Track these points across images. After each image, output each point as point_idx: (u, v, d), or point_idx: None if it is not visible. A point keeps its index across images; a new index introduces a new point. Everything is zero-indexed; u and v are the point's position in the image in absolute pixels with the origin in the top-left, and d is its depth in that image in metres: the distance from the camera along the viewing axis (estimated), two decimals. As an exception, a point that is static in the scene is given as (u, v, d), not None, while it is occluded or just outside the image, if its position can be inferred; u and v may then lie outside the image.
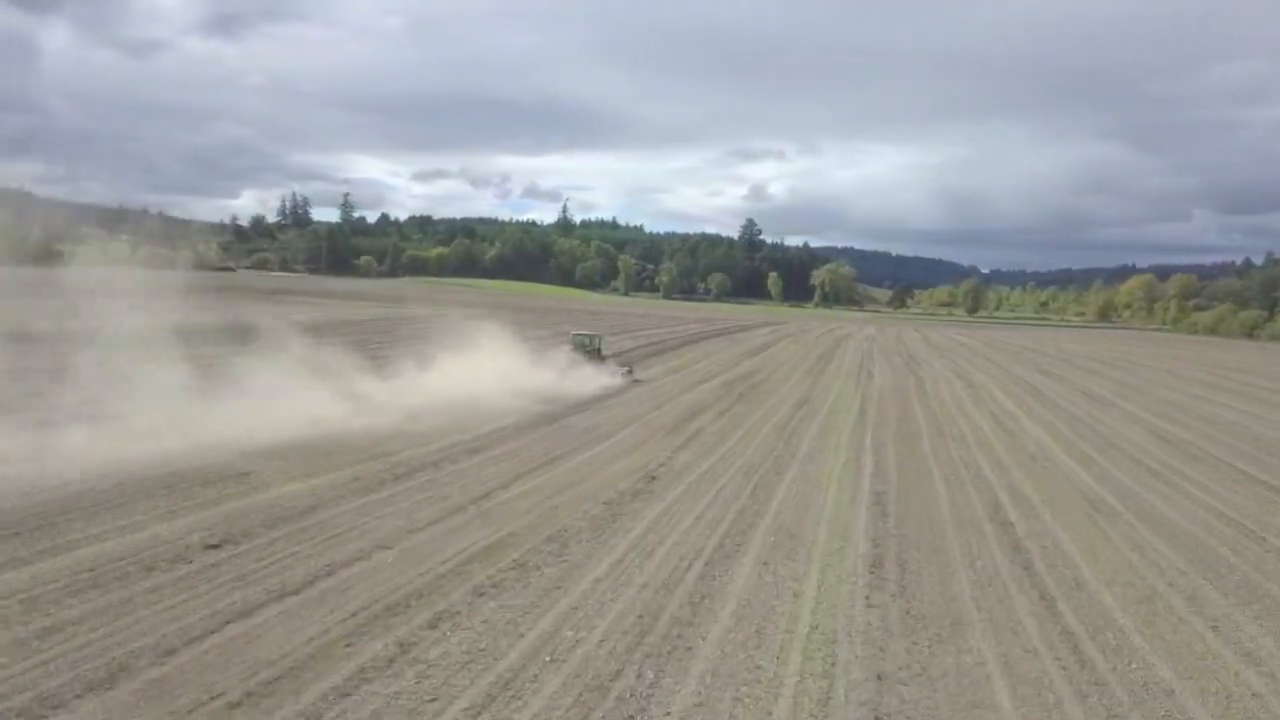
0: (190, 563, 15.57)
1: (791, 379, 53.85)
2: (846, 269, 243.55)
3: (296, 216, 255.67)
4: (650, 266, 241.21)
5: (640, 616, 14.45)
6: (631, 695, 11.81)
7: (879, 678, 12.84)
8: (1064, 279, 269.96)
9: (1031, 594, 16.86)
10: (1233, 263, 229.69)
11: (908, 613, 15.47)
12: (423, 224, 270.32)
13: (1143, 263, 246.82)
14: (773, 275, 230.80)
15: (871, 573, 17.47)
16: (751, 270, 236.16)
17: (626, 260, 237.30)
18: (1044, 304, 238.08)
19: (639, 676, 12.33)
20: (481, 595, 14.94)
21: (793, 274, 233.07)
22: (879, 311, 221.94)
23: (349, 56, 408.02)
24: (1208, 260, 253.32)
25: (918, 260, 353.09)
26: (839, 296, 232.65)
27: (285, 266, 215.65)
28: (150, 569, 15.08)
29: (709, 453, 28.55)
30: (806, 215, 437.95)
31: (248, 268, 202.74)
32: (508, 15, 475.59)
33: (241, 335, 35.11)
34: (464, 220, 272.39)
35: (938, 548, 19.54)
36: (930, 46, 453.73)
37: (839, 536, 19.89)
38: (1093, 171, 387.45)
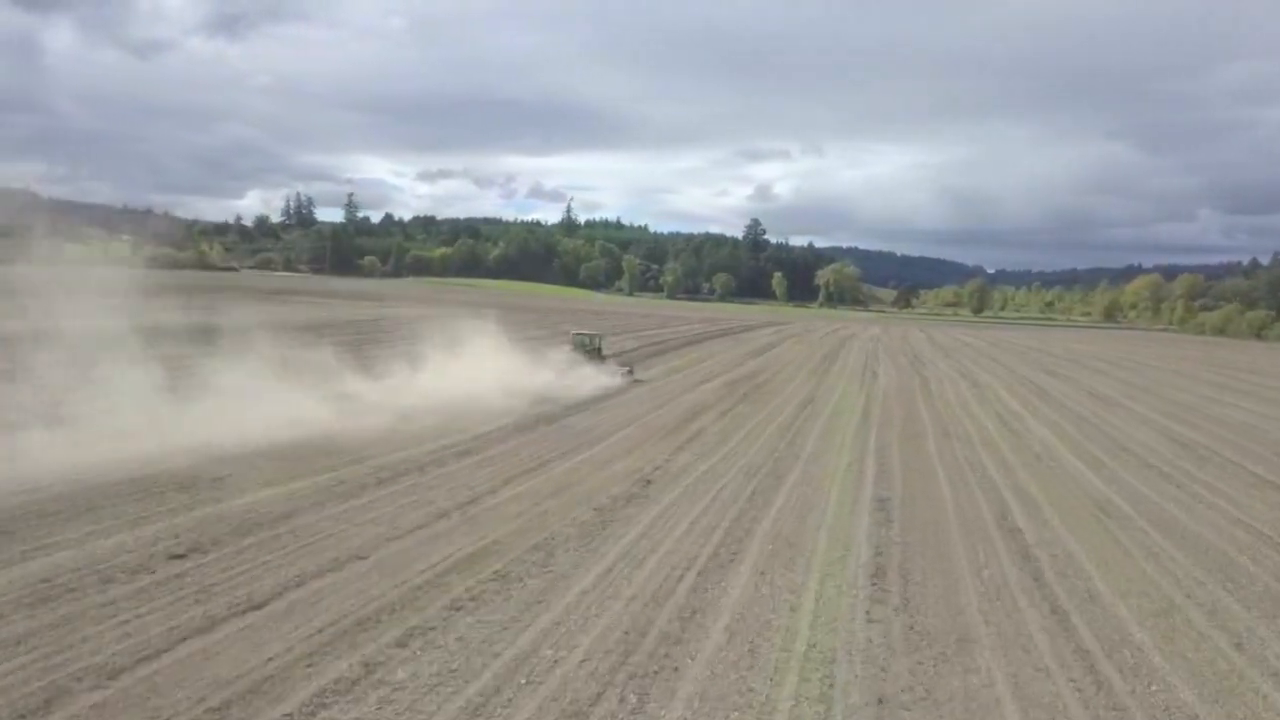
0: (152, 573, 14.74)
1: (795, 379, 52.93)
2: (851, 269, 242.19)
3: (301, 217, 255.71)
4: (655, 266, 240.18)
5: (626, 633, 13.57)
6: (612, 721, 10.95)
7: (880, 701, 11.95)
8: (1069, 279, 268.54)
9: (1042, 607, 15.95)
10: (1239, 263, 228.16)
11: (911, 628, 14.56)
12: (427, 224, 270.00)
13: (1148, 263, 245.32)
14: (777, 275, 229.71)
15: (873, 583, 16.57)
16: (756, 270, 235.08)
17: (631, 260, 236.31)
18: (1049, 304, 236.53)
19: (621, 701, 11.44)
20: (458, 609, 14.06)
21: (797, 274, 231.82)
22: (884, 312, 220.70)
23: (353, 57, 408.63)
24: (1214, 260, 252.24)
25: (923, 260, 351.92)
26: (844, 297, 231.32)
27: (289, 267, 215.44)
28: (108, 580, 14.24)
29: (708, 455, 27.67)
30: (812, 215, 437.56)
31: (251, 268, 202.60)
32: (513, 15, 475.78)
33: (225, 336, 34.18)
34: (468, 220, 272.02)
35: (943, 556, 18.63)
36: (936, 46, 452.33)
37: (840, 544, 18.99)
38: (1098, 171, 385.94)
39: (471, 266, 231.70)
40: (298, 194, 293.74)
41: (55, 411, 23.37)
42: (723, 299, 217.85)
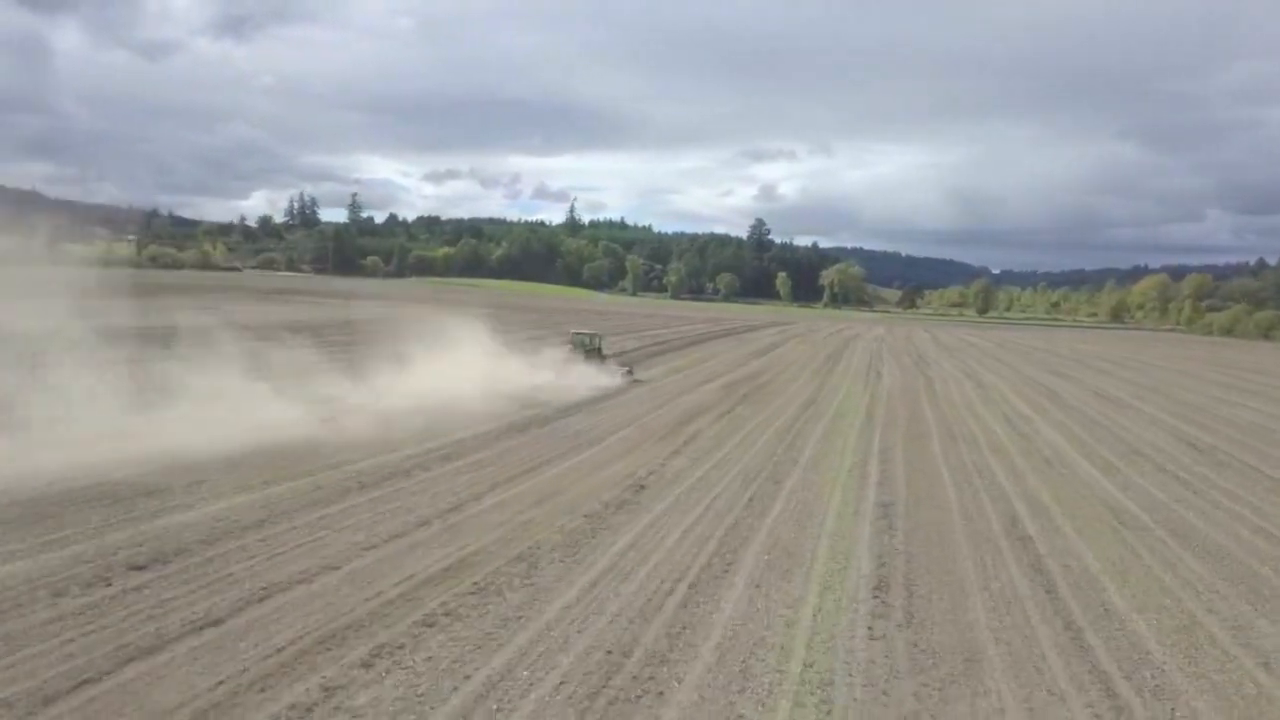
0: (109, 586, 13.85)
1: (798, 380, 51.97)
2: (856, 269, 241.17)
3: (305, 217, 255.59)
4: (658, 266, 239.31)
5: (609, 652, 12.63)
6: (589, 753, 10.04)
7: (881, 729, 11.02)
8: (1076, 280, 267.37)
9: (1055, 623, 14.99)
10: (1247, 263, 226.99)
11: (916, 646, 13.61)
12: (430, 224, 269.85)
13: (1155, 263, 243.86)
14: (781, 275, 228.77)
15: (875, 597, 15.62)
16: (760, 270, 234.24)
17: (634, 260, 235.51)
18: (1055, 304, 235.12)
19: (600, 729, 10.54)
20: (430, 626, 13.14)
21: (802, 274, 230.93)
22: (889, 312, 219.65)
23: (359, 57, 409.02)
24: (1221, 261, 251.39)
25: (928, 261, 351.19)
26: (848, 297, 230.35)
27: (291, 267, 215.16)
28: (60, 594, 13.36)
29: (705, 458, 26.74)
30: (817, 215, 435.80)
31: (254, 268, 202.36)
32: (518, 15, 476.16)
33: (212, 336, 33.28)
34: (472, 220, 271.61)
35: (949, 567, 17.67)
36: (941, 46, 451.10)
37: (841, 554, 18.04)
38: (1105, 171, 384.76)
39: (474, 267, 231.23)
40: (302, 194, 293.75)
41: (12, 416, 22.28)
42: (727, 299, 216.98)
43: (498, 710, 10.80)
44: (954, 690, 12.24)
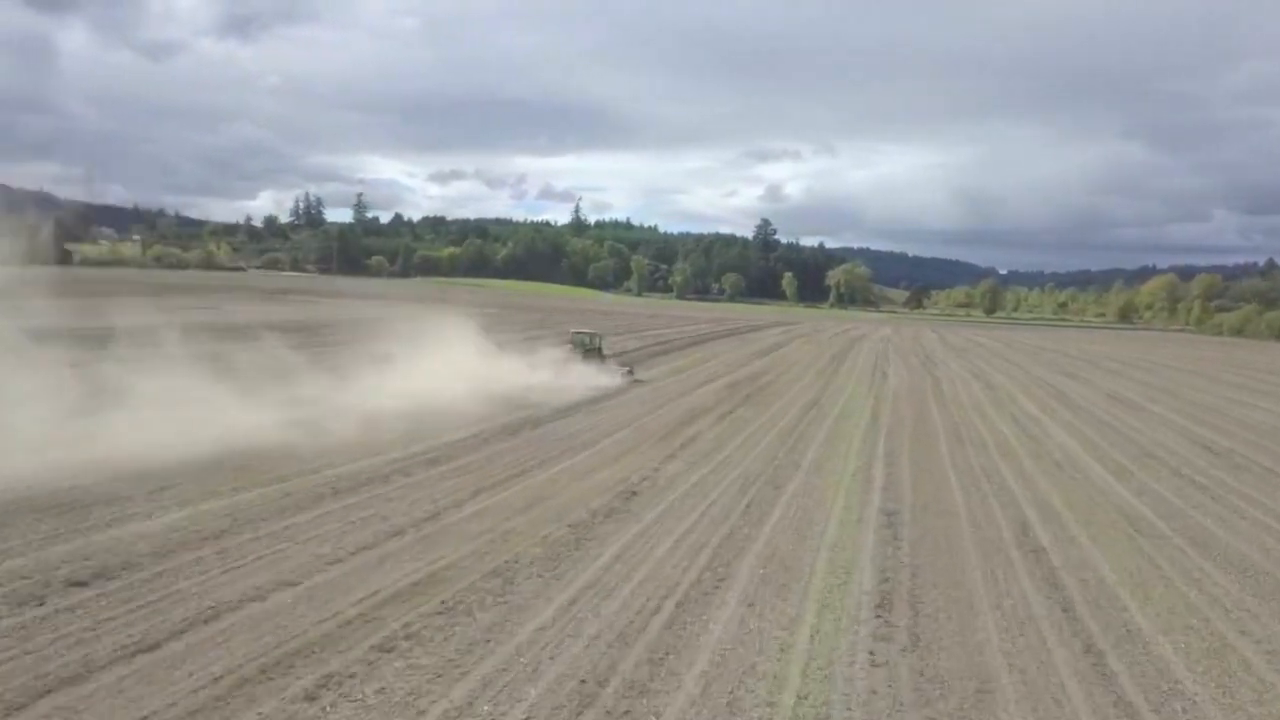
0: (41, 605, 12.72)
1: (802, 380, 50.74)
2: (862, 269, 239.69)
3: (310, 217, 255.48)
4: (663, 267, 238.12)
5: (583, 681, 11.44)
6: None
7: (883, 773, 9.83)
8: (1083, 280, 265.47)
9: (1074, 645, 13.77)
10: (1255, 264, 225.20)
11: (921, 674, 12.39)
12: (436, 224, 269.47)
13: (1162, 263, 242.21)
14: (787, 275, 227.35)
15: (878, 617, 14.41)
16: (766, 270, 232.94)
17: (639, 260, 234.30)
18: (1063, 305, 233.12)
19: (564, 775, 9.36)
20: (388, 651, 11.97)
21: (808, 274, 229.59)
22: (895, 312, 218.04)
23: (364, 58, 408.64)
24: (1229, 261, 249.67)
25: (934, 261, 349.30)
26: (854, 297, 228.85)
27: (296, 267, 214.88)
28: (-14, 614, 12.24)
29: (703, 462, 25.58)
30: (822, 216, 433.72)
31: (258, 268, 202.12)
32: (523, 15, 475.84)
33: (200, 336, 32.22)
34: (477, 221, 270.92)
35: (957, 581, 16.46)
36: (947, 46, 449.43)
37: (842, 567, 16.84)
38: (1111, 171, 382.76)
39: (479, 267, 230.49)
40: (307, 194, 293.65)
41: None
42: (732, 299, 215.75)
43: (452, 752, 9.65)
44: (964, 725, 11.03)
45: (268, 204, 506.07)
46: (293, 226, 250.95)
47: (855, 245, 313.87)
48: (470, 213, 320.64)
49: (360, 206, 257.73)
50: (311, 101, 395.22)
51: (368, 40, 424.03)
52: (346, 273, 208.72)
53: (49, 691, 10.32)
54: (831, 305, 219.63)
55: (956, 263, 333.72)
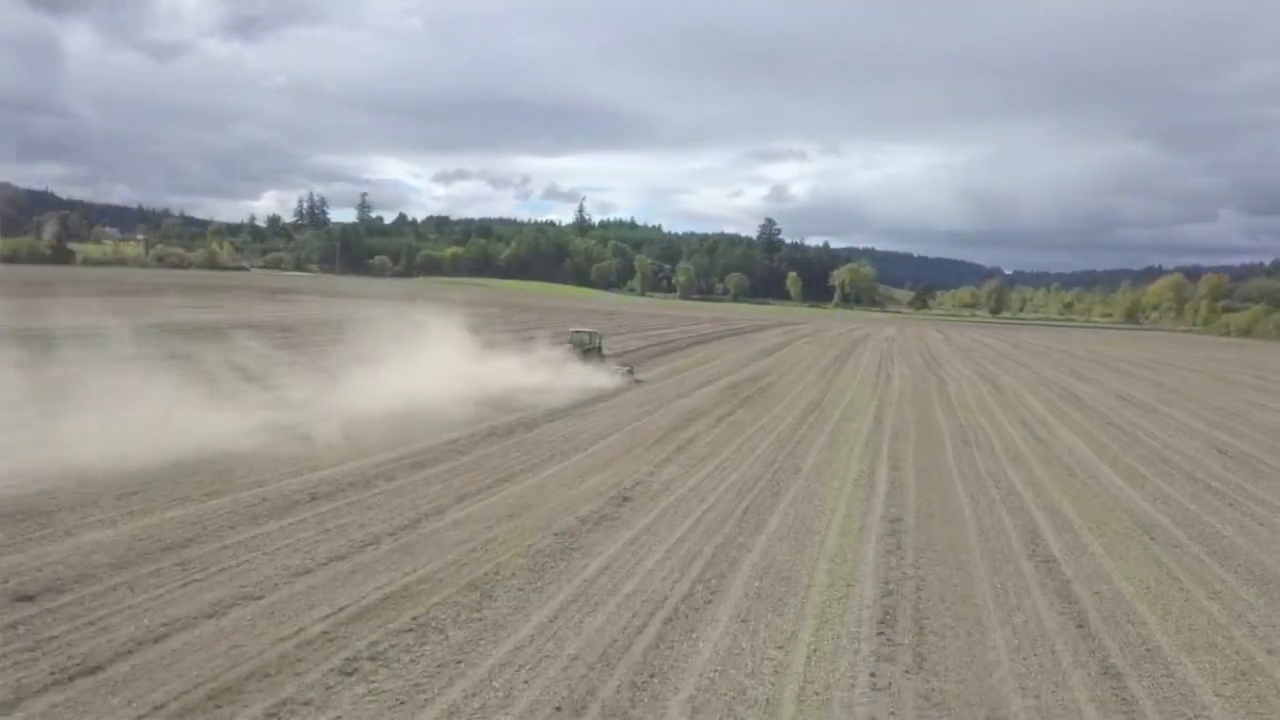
0: (-20, 622, 11.86)
1: (804, 381, 49.77)
2: (867, 269, 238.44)
3: (314, 217, 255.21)
4: (667, 266, 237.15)
5: (558, 709, 10.54)
6: None
7: (884, 816, 8.91)
8: (1089, 280, 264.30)
9: (1090, 665, 12.82)
10: (1261, 264, 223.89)
11: (926, 699, 11.45)
12: (440, 224, 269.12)
13: (1169, 264, 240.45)
14: (792, 275, 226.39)
15: (880, 634, 13.47)
16: (770, 270, 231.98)
17: (643, 260, 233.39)
18: (1069, 305, 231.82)
19: (530, 819, 8.46)
20: (349, 674, 11.07)
21: (812, 274, 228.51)
22: (900, 312, 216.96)
23: (370, 58, 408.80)
24: (1236, 261, 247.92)
25: (940, 261, 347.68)
26: (859, 297, 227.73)
27: (299, 266, 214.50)
28: (-82, 633, 11.37)
29: (700, 466, 24.67)
30: (828, 216, 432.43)
31: (261, 267, 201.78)
32: (528, 16, 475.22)
33: (190, 335, 31.34)
34: (481, 221, 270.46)
35: (965, 595, 15.52)
36: (953, 46, 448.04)
37: (842, 580, 15.91)
38: (1118, 172, 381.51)
39: (483, 266, 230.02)
40: (311, 194, 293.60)
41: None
42: (736, 299, 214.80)
43: (407, 792, 8.75)
44: (973, 758, 10.11)
45: (273, 204, 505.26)
46: (296, 226, 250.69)
47: (860, 245, 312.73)
48: (475, 213, 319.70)
49: (364, 206, 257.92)
50: (317, 102, 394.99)
51: (373, 41, 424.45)
52: (349, 272, 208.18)
53: (-29, 721, 9.46)
54: (836, 305, 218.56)
55: (962, 263, 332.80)
